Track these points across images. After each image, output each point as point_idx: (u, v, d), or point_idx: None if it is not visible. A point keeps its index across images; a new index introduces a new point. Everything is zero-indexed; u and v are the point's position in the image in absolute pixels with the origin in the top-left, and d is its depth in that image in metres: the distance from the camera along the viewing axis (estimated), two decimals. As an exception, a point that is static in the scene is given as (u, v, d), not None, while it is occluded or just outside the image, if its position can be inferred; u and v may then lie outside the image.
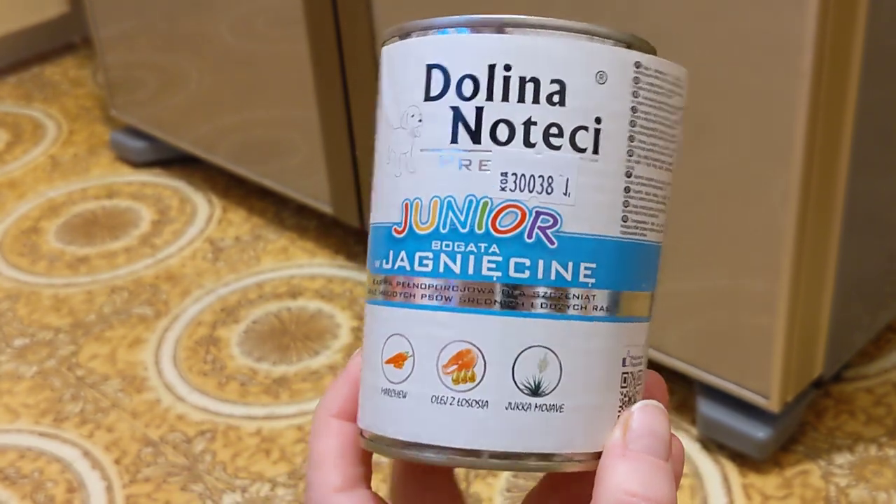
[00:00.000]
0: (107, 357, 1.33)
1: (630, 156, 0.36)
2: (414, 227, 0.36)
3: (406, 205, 0.36)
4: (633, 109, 0.36)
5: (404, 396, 0.35)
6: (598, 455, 0.36)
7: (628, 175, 0.36)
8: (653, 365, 0.37)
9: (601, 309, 0.36)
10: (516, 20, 0.35)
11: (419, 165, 0.36)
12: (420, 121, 0.36)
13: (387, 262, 0.36)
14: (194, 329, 1.36)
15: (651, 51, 0.37)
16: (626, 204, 0.36)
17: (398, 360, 0.36)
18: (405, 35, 0.37)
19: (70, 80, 2.04)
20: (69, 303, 1.43)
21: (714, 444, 1.12)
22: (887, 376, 1.20)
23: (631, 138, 0.36)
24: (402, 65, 0.37)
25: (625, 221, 0.36)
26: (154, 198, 1.65)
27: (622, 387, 0.36)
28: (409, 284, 0.36)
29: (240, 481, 1.13)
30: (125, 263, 1.50)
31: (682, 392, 1.17)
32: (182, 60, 1.52)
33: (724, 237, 1.00)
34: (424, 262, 0.35)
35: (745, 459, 1.10)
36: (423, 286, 0.35)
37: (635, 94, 0.36)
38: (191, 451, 1.18)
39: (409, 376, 0.35)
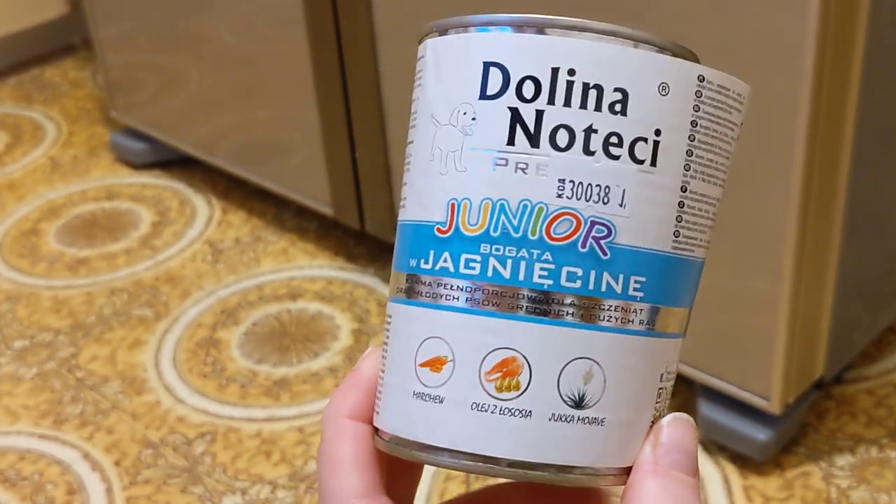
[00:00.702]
0: (107, 359, 1.32)
1: (687, 170, 0.35)
2: (461, 227, 0.35)
3: (452, 204, 0.35)
4: (693, 124, 0.35)
5: (441, 401, 0.34)
6: (628, 470, 0.35)
7: (683, 190, 0.35)
8: None
9: (645, 324, 0.35)
10: (583, 24, 0.34)
11: (470, 164, 0.35)
12: (473, 119, 0.34)
13: (426, 262, 0.35)
14: (194, 331, 1.36)
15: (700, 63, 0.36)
16: (679, 219, 0.35)
17: (435, 364, 0.35)
18: (458, 29, 0.36)
19: (70, 82, 2.04)
20: (69, 304, 1.43)
21: (715, 445, 1.12)
22: (888, 377, 1.20)
23: (689, 153, 0.35)
24: (454, 60, 0.36)
25: (676, 237, 0.36)
26: (154, 199, 1.65)
27: (656, 402, 0.36)
28: (452, 287, 0.35)
29: (240, 483, 1.13)
30: (125, 265, 1.50)
31: (682, 394, 1.17)
32: (182, 61, 1.51)
33: (724, 238, 1.00)
34: (471, 264, 0.34)
35: (746, 461, 1.10)
36: (468, 290, 0.34)
37: (696, 109, 0.35)
38: (191, 452, 1.18)
39: (447, 381, 0.34)
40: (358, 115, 1.29)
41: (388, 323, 0.37)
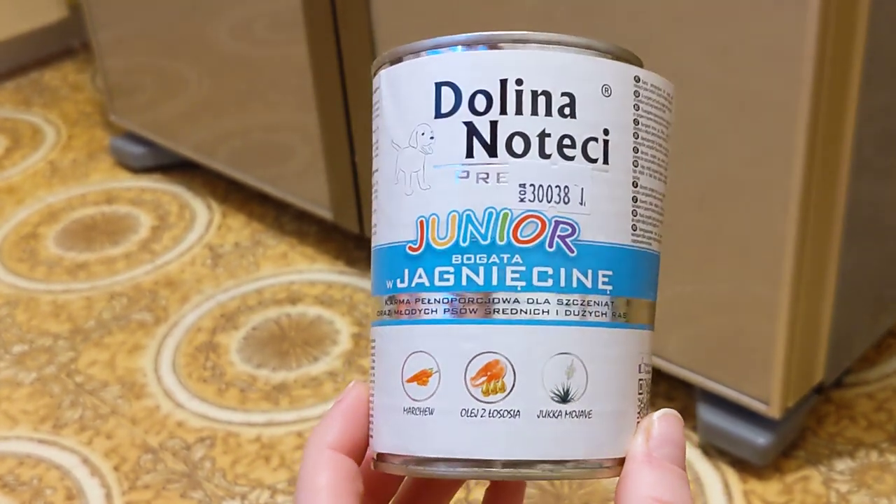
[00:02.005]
0: (106, 363, 1.32)
1: (636, 166, 0.37)
2: (431, 242, 0.36)
3: (421, 222, 0.36)
4: (636, 122, 0.37)
5: (431, 413, 0.35)
6: (621, 461, 0.36)
7: (635, 185, 0.37)
8: (653, 371, 0.37)
9: (619, 316, 0.36)
10: (524, 36, 0.35)
11: (434, 182, 0.36)
12: (432, 138, 0.36)
13: (402, 281, 0.36)
14: (194, 335, 1.36)
15: (642, 66, 0.37)
16: (634, 213, 0.37)
17: (421, 378, 0.36)
18: (407, 56, 0.37)
19: (69, 85, 2.04)
20: (68, 309, 1.43)
21: (715, 450, 1.12)
22: (888, 381, 1.20)
23: (635, 149, 0.37)
24: (407, 85, 0.37)
25: (634, 230, 0.37)
26: (153, 203, 1.65)
27: (639, 394, 0.37)
28: (429, 300, 0.36)
29: (239, 488, 1.13)
30: (124, 269, 1.50)
31: (682, 398, 1.17)
32: (181, 65, 1.51)
33: (724, 243, 1.00)
34: (445, 276, 0.35)
35: (746, 465, 1.10)
36: (445, 301, 0.35)
37: (636, 108, 0.37)
38: (190, 457, 1.18)
39: (434, 392, 0.35)
40: (357, 118, 1.29)
41: (373, 348, 0.38)
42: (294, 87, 1.35)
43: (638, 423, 0.37)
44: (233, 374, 1.29)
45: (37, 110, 1.96)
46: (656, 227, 0.38)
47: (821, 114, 0.90)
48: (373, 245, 0.39)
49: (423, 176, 0.36)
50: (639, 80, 0.37)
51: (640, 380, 0.37)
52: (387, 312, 0.37)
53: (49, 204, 1.67)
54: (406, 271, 0.36)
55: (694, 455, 1.12)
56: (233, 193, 1.65)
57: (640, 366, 0.37)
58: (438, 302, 0.36)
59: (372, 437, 0.38)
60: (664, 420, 0.36)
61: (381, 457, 0.37)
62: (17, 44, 2.08)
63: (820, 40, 0.85)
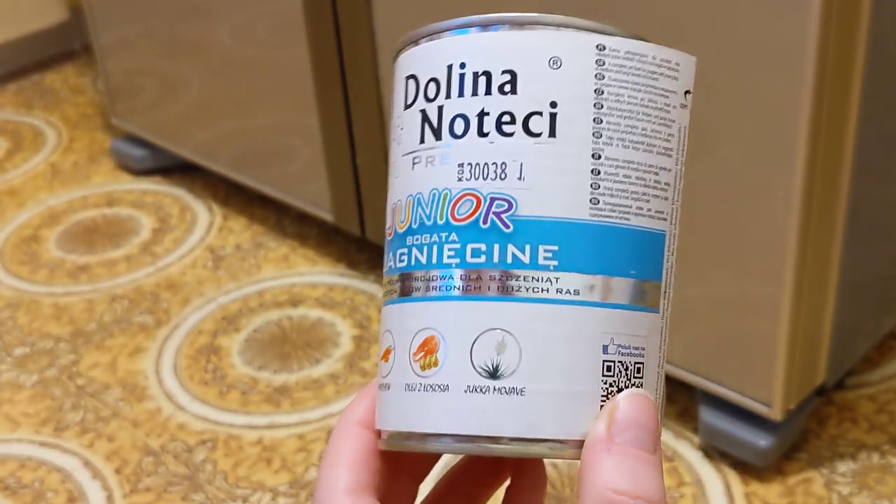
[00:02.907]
0: (107, 366, 1.32)
1: (598, 137, 0.36)
2: (396, 227, 0.37)
3: (392, 209, 0.38)
4: (598, 91, 0.36)
5: (388, 388, 0.37)
6: (578, 444, 0.35)
7: (597, 157, 0.36)
8: None
9: (568, 292, 0.35)
10: (471, 20, 0.36)
11: (399, 170, 0.37)
12: (401, 129, 0.37)
13: (384, 266, 0.38)
14: (195, 338, 1.36)
15: (622, 35, 0.36)
16: (595, 186, 0.36)
17: (385, 355, 0.37)
18: (394, 57, 0.39)
19: (70, 88, 2.04)
20: (70, 311, 1.43)
21: (716, 452, 1.12)
22: (890, 383, 1.20)
23: (597, 120, 0.36)
24: (394, 83, 0.39)
25: (595, 204, 0.36)
26: (154, 206, 1.65)
27: (605, 375, 0.35)
28: (392, 282, 0.37)
29: (241, 491, 1.13)
30: (126, 272, 1.50)
31: (683, 400, 1.17)
32: (182, 67, 1.51)
33: (726, 244, 1.00)
34: (402, 257, 0.37)
35: (748, 467, 1.10)
36: (400, 282, 0.37)
37: (599, 76, 0.36)
38: (192, 460, 1.17)
39: (391, 369, 0.37)
40: (358, 120, 1.29)
41: None
42: (295, 90, 1.35)
43: (601, 406, 0.35)
44: (234, 377, 1.29)
45: (38, 113, 1.96)
46: (646, 201, 0.36)
47: (823, 115, 0.90)
48: None
49: (396, 166, 0.38)
50: (603, 48, 0.36)
51: (609, 361, 0.35)
52: (383, 295, 0.39)
53: (50, 206, 1.67)
54: (386, 256, 0.38)
55: (695, 457, 1.12)
56: (234, 196, 1.65)
57: (606, 346, 0.35)
58: (396, 282, 0.37)
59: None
60: (630, 400, 0.34)
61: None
62: (19, 46, 2.08)
63: (822, 41, 0.85)
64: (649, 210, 0.37)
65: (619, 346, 0.36)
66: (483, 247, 0.35)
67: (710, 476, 1.10)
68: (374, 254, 1.49)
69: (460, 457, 0.41)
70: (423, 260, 0.36)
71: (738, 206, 0.97)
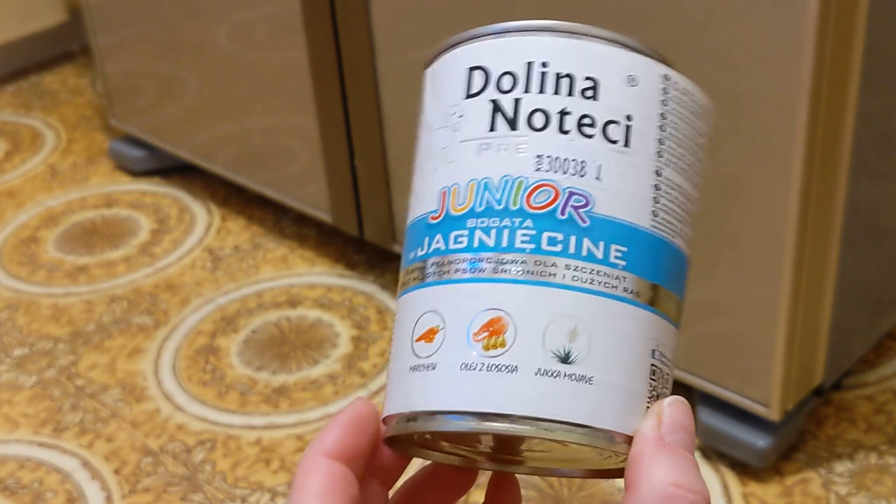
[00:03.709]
0: (106, 367, 1.32)
1: (660, 156, 0.38)
2: (450, 209, 0.37)
3: (444, 192, 0.37)
4: (663, 116, 0.38)
5: (433, 368, 0.36)
6: (628, 440, 0.36)
7: (658, 174, 0.37)
8: None
9: (631, 293, 0.36)
10: (554, 25, 0.37)
11: (458, 156, 0.37)
12: (461, 116, 0.37)
13: (422, 249, 0.38)
14: (194, 338, 1.36)
15: (673, 67, 0.39)
16: (656, 200, 0.37)
17: (429, 335, 0.36)
18: (444, 51, 0.39)
19: (69, 89, 2.04)
20: (68, 312, 1.43)
21: (714, 452, 1.12)
22: (888, 384, 1.20)
23: (660, 141, 0.37)
24: (444, 74, 0.39)
25: (655, 216, 0.37)
26: (153, 207, 1.65)
27: (651, 379, 0.37)
28: (442, 263, 0.37)
29: (240, 491, 1.13)
30: (124, 273, 1.50)
31: (682, 400, 1.17)
32: (181, 69, 1.52)
33: (724, 245, 1.00)
34: (459, 239, 0.36)
35: (746, 468, 1.10)
36: (456, 261, 0.36)
37: (664, 103, 0.38)
38: (190, 460, 1.18)
39: (439, 348, 0.36)
40: (357, 122, 1.30)
41: (395, 321, 0.39)
42: (294, 91, 1.35)
43: (648, 408, 0.36)
44: (233, 377, 1.29)
45: (37, 114, 1.96)
46: (683, 224, 0.39)
47: (820, 116, 0.90)
48: (405, 224, 0.40)
49: (449, 151, 0.37)
50: (668, 78, 0.38)
51: (654, 366, 0.37)
52: (407, 282, 0.38)
53: (49, 207, 1.67)
54: (426, 239, 0.37)
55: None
56: (232, 197, 1.65)
57: (654, 351, 0.37)
58: (451, 263, 0.36)
59: (384, 409, 0.38)
60: (674, 406, 0.36)
61: (387, 421, 0.38)
62: (17, 47, 2.09)
63: (819, 42, 0.86)
64: (684, 233, 0.39)
65: (661, 353, 0.37)
66: (560, 236, 0.36)
67: (708, 476, 1.10)
68: (372, 254, 1.49)
69: (427, 463, 0.41)
70: (491, 242, 0.36)
71: (736, 207, 0.97)
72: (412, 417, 0.36)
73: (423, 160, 0.39)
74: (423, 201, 0.38)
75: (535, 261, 0.35)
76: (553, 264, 0.35)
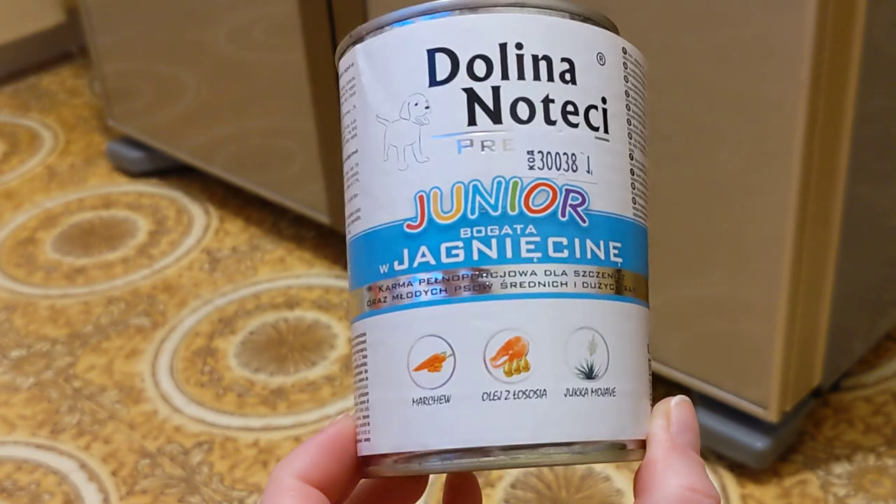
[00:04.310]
0: (104, 368, 1.32)
1: (630, 139, 0.35)
2: (434, 217, 0.33)
3: (421, 197, 0.33)
4: (626, 94, 0.35)
5: (447, 401, 0.32)
6: (641, 444, 0.34)
7: (631, 157, 0.35)
8: (652, 375, 0.37)
9: (630, 290, 0.35)
10: (523, 0, 0.34)
11: (433, 153, 0.33)
12: (427, 107, 0.34)
13: (400, 263, 0.34)
14: (191, 340, 1.36)
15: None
16: (633, 186, 0.35)
17: (433, 364, 0.33)
18: (390, 26, 0.35)
19: (67, 90, 2.04)
20: (66, 314, 1.43)
21: (712, 454, 1.12)
22: (886, 385, 1.20)
23: (629, 121, 0.35)
24: (392, 56, 0.35)
25: (634, 204, 0.35)
26: (151, 208, 1.65)
27: (649, 374, 0.35)
28: (436, 280, 0.33)
29: (237, 493, 1.13)
30: (122, 274, 1.50)
31: (680, 402, 1.17)
32: (179, 70, 1.51)
33: (722, 245, 1.00)
34: (454, 252, 0.33)
35: (744, 469, 1.10)
36: (454, 278, 0.33)
37: (626, 79, 0.36)
38: (188, 462, 1.17)
39: (450, 378, 0.33)
40: (355, 123, 1.29)
41: (361, 343, 0.35)
42: (291, 92, 1.35)
43: (650, 406, 0.35)
44: (230, 379, 1.29)
45: (34, 115, 1.96)
46: (646, 203, 0.36)
47: (819, 116, 0.90)
48: (352, 234, 0.36)
49: (419, 148, 0.34)
50: (626, 51, 0.36)
51: (649, 360, 0.35)
52: (378, 301, 0.34)
53: (47, 209, 1.67)
54: (406, 251, 0.34)
55: (692, 459, 1.12)
56: (230, 198, 1.65)
57: (647, 345, 0.35)
58: (447, 280, 0.33)
59: (367, 440, 0.35)
60: (683, 406, 0.35)
61: (380, 459, 0.34)
62: (15, 48, 2.08)
63: (817, 42, 0.86)
64: (646, 212, 0.36)
65: (649, 346, 0.36)
66: (564, 241, 0.33)
67: (707, 478, 1.10)
68: (370, 256, 1.48)
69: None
70: (493, 254, 0.32)
71: (734, 208, 0.97)
72: (428, 456, 0.33)
73: (376, 154, 0.34)
74: (389, 207, 0.34)
75: (546, 270, 0.33)
76: (563, 272, 0.33)
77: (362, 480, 0.37)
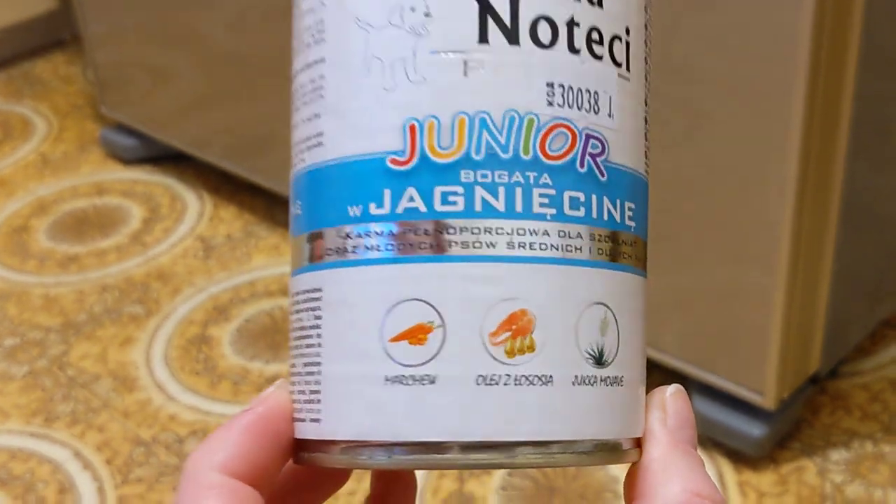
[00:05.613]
0: (98, 356, 1.32)
1: (646, 79, 0.30)
2: (429, 153, 0.27)
3: (412, 126, 0.27)
4: (646, 26, 0.30)
5: (431, 382, 0.27)
6: (637, 442, 0.30)
7: (646, 102, 0.30)
8: (648, 363, 0.32)
9: (639, 261, 0.29)
10: None
11: (431, 73, 0.27)
12: (427, 14, 0.27)
13: (379, 206, 0.27)
14: (186, 328, 1.35)
15: None
16: (646, 136, 0.30)
17: (416, 335, 0.27)
18: None
19: (60, 77, 2.03)
20: (60, 302, 1.42)
21: (710, 441, 1.12)
22: (883, 372, 1.19)
23: (646, 60, 0.30)
24: None
25: (646, 158, 0.30)
26: (144, 195, 1.64)
27: (645, 357, 0.31)
28: (428, 231, 0.27)
29: (232, 481, 1.13)
30: (116, 262, 1.49)
31: (677, 389, 1.17)
32: (173, 57, 1.51)
33: (719, 232, 0.99)
34: (451, 198, 0.27)
35: (741, 457, 1.10)
36: (452, 231, 0.27)
37: (646, 9, 0.31)
38: (183, 451, 1.17)
39: (437, 354, 0.27)
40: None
41: (313, 300, 0.29)
42: (285, 78, 1.34)
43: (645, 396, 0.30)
44: (225, 367, 1.28)
45: (28, 102, 1.95)
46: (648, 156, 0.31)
47: (817, 101, 0.89)
48: (309, 164, 0.29)
49: (413, 65, 0.27)
50: None
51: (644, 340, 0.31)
52: (349, 250, 0.28)
53: (40, 196, 1.66)
54: (387, 193, 0.27)
55: (689, 446, 1.12)
56: (224, 185, 1.64)
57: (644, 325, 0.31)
58: (442, 233, 0.27)
59: (317, 420, 0.28)
60: (679, 398, 0.31)
61: (329, 447, 0.28)
62: (7, 35, 2.07)
63: (816, 25, 0.85)
64: (649, 168, 0.31)
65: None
66: (582, 196, 0.27)
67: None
68: (365, 243, 1.48)
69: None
70: (500, 206, 0.27)
71: (732, 194, 0.97)
72: (403, 448, 0.27)
73: (352, 66, 0.28)
74: (367, 133, 0.28)
75: (560, 231, 0.27)
76: (578, 235, 0.27)
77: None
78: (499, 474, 1.10)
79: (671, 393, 0.31)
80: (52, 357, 1.33)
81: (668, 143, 0.97)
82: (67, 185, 1.69)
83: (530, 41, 0.27)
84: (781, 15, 0.86)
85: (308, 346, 0.29)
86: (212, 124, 1.51)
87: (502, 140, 0.27)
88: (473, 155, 0.27)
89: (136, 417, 1.22)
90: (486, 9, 0.27)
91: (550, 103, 0.27)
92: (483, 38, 0.27)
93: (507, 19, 0.27)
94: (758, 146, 0.93)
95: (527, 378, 0.27)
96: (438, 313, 0.27)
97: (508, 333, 0.27)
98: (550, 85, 0.27)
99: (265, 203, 1.59)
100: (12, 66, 2.08)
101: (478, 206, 0.27)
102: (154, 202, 1.62)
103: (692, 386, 1.11)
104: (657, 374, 1.17)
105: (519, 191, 0.27)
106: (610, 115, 0.28)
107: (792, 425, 1.12)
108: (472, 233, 0.27)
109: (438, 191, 0.27)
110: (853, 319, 1.14)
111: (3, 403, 1.26)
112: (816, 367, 1.08)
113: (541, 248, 0.27)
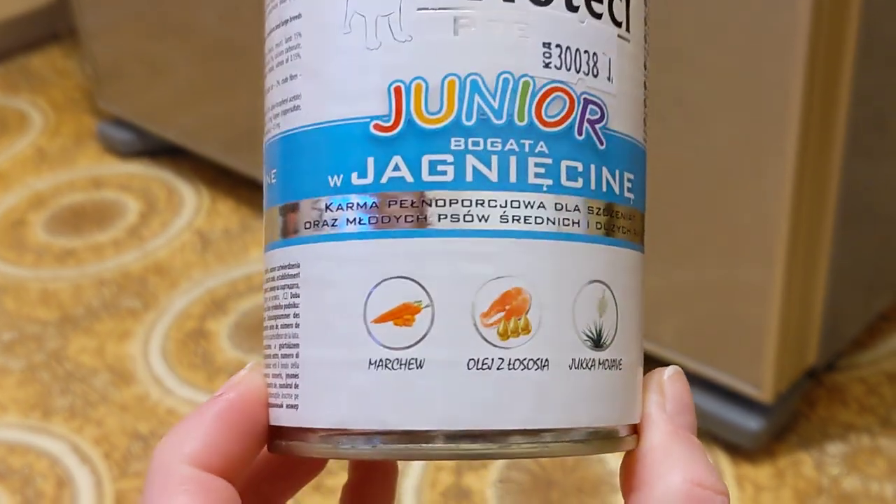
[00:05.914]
0: (95, 350, 1.32)
1: (645, 41, 0.28)
2: (416, 118, 0.25)
3: (397, 89, 0.25)
4: None
5: (420, 366, 0.25)
6: (634, 429, 0.28)
7: (645, 66, 0.28)
8: (645, 357, 0.31)
9: (638, 235, 0.28)
10: None
11: (418, 31, 0.25)
12: None
13: (362, 175, 0.26)
14: (183, 322, 1.35)
15: None
16: (644, 103, 0.28)
17: (402, 316, 0.25)
18: None
19: (57, 71, 2.03)
20: (57, 296, 1.42)
21: (706, 434, 1.12)
22: (880, 366, 1.20)
23: (646, 21, 0.28)
24: None
25: (644, 125, 0.28)
26: (142, 189, 1.64)
27: (642, 339, 0.29)
28: (414, 203, 0.25)
29: (230, 475, 1.13)
30: (113, 256, 1.49)
31: (674, 382, 1.17)
32: (169, 50, 1.50)
33: (716, 226, 0.99)
34: (440, 167, 0.25)
35: (738, 450, 1.10)
36: (440, 203, 0.25)
37: None
38: (181, 444, 1.17)
39: (424, 336, 0.25)
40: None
41: (290, 277, 0.27)
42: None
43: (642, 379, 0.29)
44: (223, 361, 1.28)
45: (24, 96, 1.95)
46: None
47: (814, 95, 0.89)
48: (284, 130, 0.28)
49: (399, 22, 0.25)
50: None
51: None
52: (329, 223, 0.26)
53: (37, 190, 1.66)
54: (370, 161, 0.25)
55: (686, 440, 1.12)
56: (222, 178, 1.64)
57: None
58: (429, 205, 0.25)
59: (294, 407, 0.27)
60: (678, 380, 0.30)
61: (307, 435, 0.27)
62: (3, 29, 2.07)
63: (814, 19, 0.85)
64: (647, 136, 0.29)
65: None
66: (579, 166, 0.26)
67: (701, 459, 1.10)
68: (363, 237, 1.48)
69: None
70: (493, 176, 0.25)
71: (729, 188, 0.97)
72: (387, 437, 0.25)
73: (331, 24, 0.26)
74: (348, 96, 0.26)
75: (556, 204, 0.25)
76: (575, 208, 0.26)
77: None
78: (496, 467, 1.10)
79: (669, 375, 0.30)
80: (49, 351, 1.32)
81: (665, 139, 0.97)
82: (64, 178, 1.69)
83: None
84: (779, 8, 0.86)
85: (284, 326, 0.27)
86: (209, 118, 1.51)
87: (495, 104, 0.25)
88: (464, 121, 0.25)
89: (133, 411, 1.22)
90: None
91: (547, 65, 0.25)
92: None
93: None
94: (755, 140, 0.93)
95: (521, 362, 0.25)
96: (426, 292, 0.25)
97: (502, 314, 0.25)
98: (547, 45, 0.25)
99: (263, 197, 1.59)
100: (8, 60, 2.08)
101: (469, 177, 0.25)
102: (151, 196, 1.62)
103: (689, 379, 1.11)
104: (654, 368, 1.17)
105: (513, 160, 0.25)
106: (609, 79, 0.26)
107: (789, 419, 1.12)
108: (463, 205, 0.25)
109: (426, 159, 0.25)
110: (850, 313, 1.14)
111: (0, 397, 1.26)
112: (813, 361, 1.09)
113: (536, 222, 0.25)
